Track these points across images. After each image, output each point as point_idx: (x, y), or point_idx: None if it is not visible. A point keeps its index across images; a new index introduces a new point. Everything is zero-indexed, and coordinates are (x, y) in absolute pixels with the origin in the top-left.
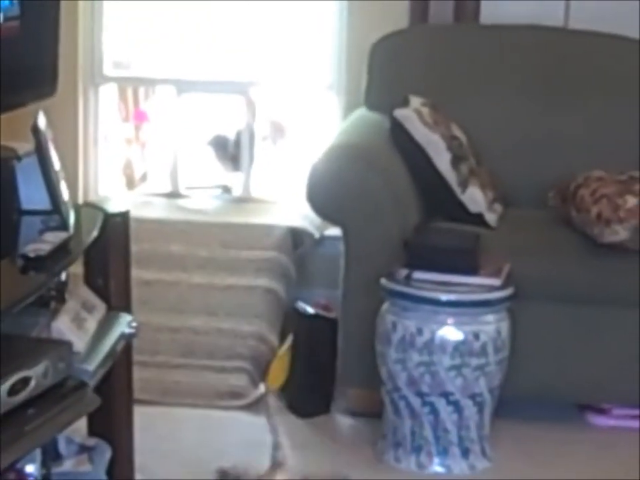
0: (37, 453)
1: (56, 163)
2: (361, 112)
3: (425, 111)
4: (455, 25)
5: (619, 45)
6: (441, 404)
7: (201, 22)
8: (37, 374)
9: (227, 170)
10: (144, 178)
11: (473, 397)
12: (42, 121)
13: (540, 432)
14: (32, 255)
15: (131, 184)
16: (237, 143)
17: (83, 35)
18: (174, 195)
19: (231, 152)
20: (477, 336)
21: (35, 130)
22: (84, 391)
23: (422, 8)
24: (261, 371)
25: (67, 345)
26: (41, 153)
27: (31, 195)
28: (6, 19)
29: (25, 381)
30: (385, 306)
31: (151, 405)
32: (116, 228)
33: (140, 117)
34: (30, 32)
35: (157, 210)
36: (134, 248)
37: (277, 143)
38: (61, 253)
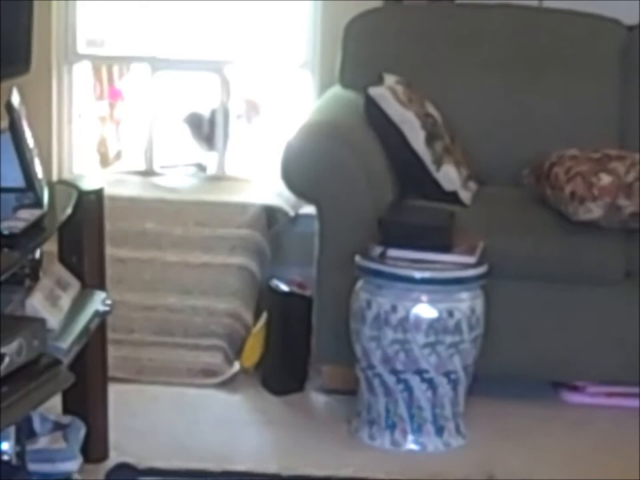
0: (11, 431)
1: (30, 141)
2: (336, 90)
3: (400, 89)
4: (429, 4)
5: (593, 24)
6: (415, 381)
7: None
8: (11, 351)
9: (201, 148)
10: (118, 156)
11: (447, 374)
12: (16, 99)
13: (514, 409)
14: (6, 232)
15: (105, 162)
16: (212, 121)
17: (56, 12)
18: (148, 172)
19: (206, 129)
20: (451, 313)
21: (9, 107)
22: (58, 369)
23: None
24: (236, 349)
25: (41, 322)
26: (14, 130)
27: (5, 172)
28: None
29: None
30: (360, 283)
31: (125, 383)
32: (90, 206)
33: (114, 94)
34: (3, 10)
35: (131, 188)
36: (108, 226)
37: (251, 121)
38: (35, 230)
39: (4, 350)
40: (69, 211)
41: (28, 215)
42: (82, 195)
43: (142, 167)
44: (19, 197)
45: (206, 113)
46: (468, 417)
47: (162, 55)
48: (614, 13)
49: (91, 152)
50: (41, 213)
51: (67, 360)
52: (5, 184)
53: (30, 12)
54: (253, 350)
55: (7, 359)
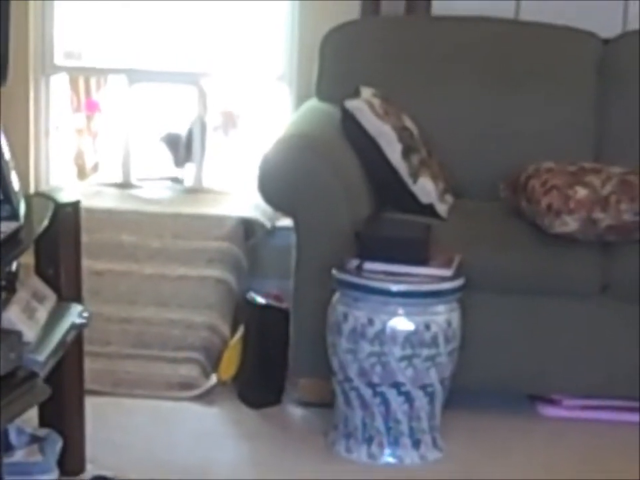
0: None
1: (6, 153)
2: (312, 103)
3: (376, 101)
4: (406, 17)
5: (570, 37)
6: (391, 394)
7: (153, 12)
8: None
9: (178, 166)
10: (95, 168)
11: (423, 387)
12: None
13: (491, 422)
14: None
15: (82, 174)
16: (189, 135)
17: (33, 24)
18: (125, 185)
19: (182, 150)
20: (427, 326)
21: None
22: (34, 381)
23: None
24: (213, 362)
25: (17, 335)
26: None
27: None
28: None
29: None
30: (336, 296)
31: (101, 396)
32: (67, 218)
33: (91, 107)
34: None
35: (108, 200)
36: (85, 238)
37: (228, 134)
38: (12, 242)
39: None
40: (45, 223)
41: (4, 228)
42: (59, 207)
43: (119, 179)
44: None
45: (183, 132)
46: (445, 430)
47: (139, 67)
48: (590, 26)
49: (68, 164)
50: (17, 226)
51: (43, 373)
52: None
53: (6, 23)
54: (230, 363)
55: None
